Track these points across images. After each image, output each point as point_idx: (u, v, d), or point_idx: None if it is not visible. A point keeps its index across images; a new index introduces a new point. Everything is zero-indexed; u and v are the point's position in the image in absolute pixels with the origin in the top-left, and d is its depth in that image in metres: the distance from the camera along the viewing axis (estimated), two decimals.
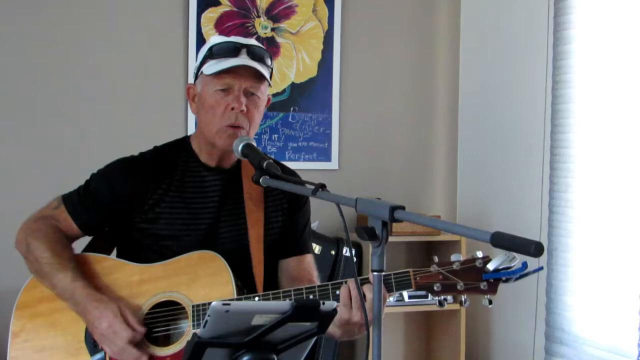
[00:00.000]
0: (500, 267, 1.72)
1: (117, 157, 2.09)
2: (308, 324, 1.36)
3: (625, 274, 2.89)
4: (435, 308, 3.42)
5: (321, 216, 2.68)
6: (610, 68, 3.00)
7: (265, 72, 1.98)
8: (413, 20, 3.95)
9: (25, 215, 2.05)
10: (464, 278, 1.76)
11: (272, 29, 3.67)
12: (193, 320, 1.87)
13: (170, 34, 3.54)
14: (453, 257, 1.78)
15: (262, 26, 3.65)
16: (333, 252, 3.36)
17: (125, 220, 2.03)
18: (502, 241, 1.17)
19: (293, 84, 3.72)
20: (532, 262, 1.71)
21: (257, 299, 1.88)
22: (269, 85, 2.04)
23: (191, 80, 2.13)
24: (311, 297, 1.82)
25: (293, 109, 3.73)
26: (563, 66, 3.21)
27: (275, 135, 3.70)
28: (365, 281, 1.79)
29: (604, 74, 3.03)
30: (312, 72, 3.75)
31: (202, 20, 3.55)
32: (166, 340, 1.91)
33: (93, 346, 1.90)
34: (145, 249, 2.02)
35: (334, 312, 1.37)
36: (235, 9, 3.61)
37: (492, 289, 1.76)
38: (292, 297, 1.85)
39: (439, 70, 3.99)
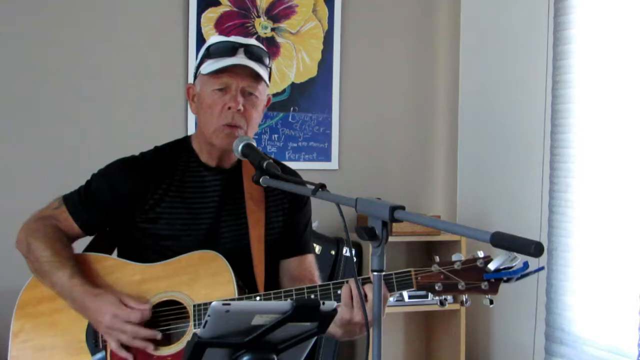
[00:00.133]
0: (502, 267, 1.72)
1: (117, 157, 2.09)
2: (308, 324, 1.36)
3: (625, 274, 2.89)
4: (436, 308, 3.43)
5: (321, 216, 2.68)
6: (610, 68, 3.00)
7: (262, 71, 1.98)
8: (413, 20, 3.95)
9: (25, 215, 2.05)
10: (465, 278, 1.76)
11: (272, 29, 3.67)
12: (194, 320, 1.87)
13: (170, 34, 3.54)
14: (454, 257, 1.78)
15: (262, 26, 3.65)
16: (333, 252, 3.36)
17: (126, 220, 2.03)
18: (502, 241, 1.17)
19: (293, 84, 3.72)
20: (533, 262, 1.71)
21: (258, 298, 1.88)
22: (267, 85, 2.04)
23: (191, 80, 2.14)
24: (312, 296, 1.83)
25: (293, 109, 3.73)
26: (563, 66, 3.21)
27: (275, 135, 3.70)
28: (367, 281, 1.79)
29: (604, 74, 3.03)
30: (312, 72, 3.75)
31: (202, 20, 3.55)
32: (167, 340, 1.91)
33: (94, 345, 1.90)
34: (146, 249, 2.02)
35: (334, 312, 1.37)
36: (235, 9, 3.61)
37: (493, 289, 1.76)
38: (294, 296, 1.85)
39: (439, 70, 3.99)
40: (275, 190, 2.07)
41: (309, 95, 3.74)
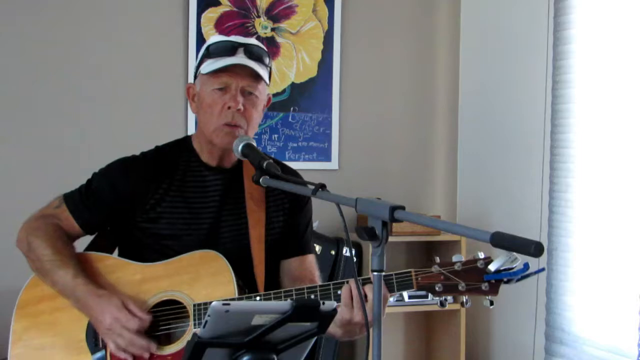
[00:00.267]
0: (502, 268, 1.72)
1: (118, 157, 2.09)
2: (308, 324, 1.36)
3: (625, 274, 2.89)
4: (436, 308, 3.43)
5: (321, 216, 2.68)
6: (610, 68, 3.00)
7: (262, 71, 1.98)
8: (413, 20, 3.95)
9: (25, 215, 2.05)
10: (465, 279, 1.76)
11: (272, 29, 3.67)
12: (194, 320, 1.88)
13: (170, 34, 3.54)
14: (454, 258, 1.78)
15: (262, 26, 3.65)
16: (333, 252, 3.36)
17: (127, 220, 2.03)
18: (502, 241, 1.17)
19: (293, 84, 3.72)
20: (533, 263, 1.71)
21: (258, 298, 1.88)
22: (267, 84, 2.04)
23: (191, 80, 2.14)
24: (312, 297, 1.83)
25: (293, 109, 3.73)
26: (563, 66, 3.21)
27: (275, 135, 3.70)
28: (368, 281, 1.79)
29: (604, 74, 3.03)
30: (312, 72, 3.75)
31: (202, 20, 3.55)
32: (167, 339, 1.92)
33: (94, 345, 1.90)
34: (147, 249, 2.02)
35: (334, 312, 1.37)
36: (235, 9, 3.61)
37: (494, 289, 1.76)
38: (294, 296, 1.85)
39: (439, 70, 3.99)
40: (276, 190, 2.07)
41: (309, 95, 3.74)
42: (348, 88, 3.81)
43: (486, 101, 3.83)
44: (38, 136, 3.34)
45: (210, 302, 1.38)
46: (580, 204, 3.12)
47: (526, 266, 1.71)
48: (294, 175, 1.93)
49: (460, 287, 1.76)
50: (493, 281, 1.75)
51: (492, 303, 1.76)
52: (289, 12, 3.70)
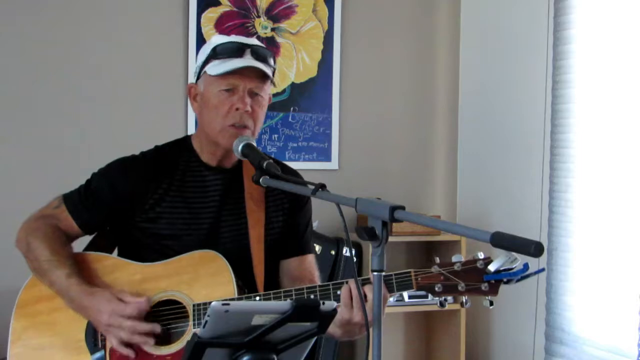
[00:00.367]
0: (502, 269, 1.72)
1: (117, 157, 2.09)
2: (308, 324, 1.36)
3: (625, 274, 2.89)
4: (435, 308, 3.42)
5: (321, 216, 2.68)
6: (610, 68, 3.00)
7: (269, 72, 1.99)
8: (413, 20, 3.95)
9: (25, 215, 2.05)
10: (465, 279, 1.76)
11: (272, 29, 3.67)
12: (194, 320, 1.87)
13: (170, 34, 3.54)
14: (454, 258, 1.78)
15: (262, 26, 3.65)
16: (333, 252, 3.36)
17: (126, 220, 2.03)
18: (502, 241, 1.17)
19: (293, 84, 3.72)
20: (533, 263, 1.71)
21: (257, 298, 1.88)
22: (273, 85, 2.05)
23: (191, 79, 2.13)
24: (312, 297, 1.82)
25: (293, 109, 3.73)
26: (563, 66, 3.21)
27: (275, 135, 3.70)
28: (367, 281, 1.79)
29: (604, 74, 3.03)
30: (312, 72, 3.75)
31: (202, 20, 3.54)
32: (167, 340, 1.91)
33: (93, 345, 1.90)
34: (146, 249, 2.02)
35: (334, 312, 1.37)
36: (235, 9, 3.61)
37: (493, 290, 1.76)
38: (293, 297, 1.85)
39: (439, 70, 3.99)
40: (276, 190, 2.07)
41: (309, 95, 3.74)
42: (348, 88, 3.81)
43: (486, 101, 3.83)
44: (38, 136, 3.34)
45: (210, 302, 1.38)
46: (580, 204, 3.12)
47: (526, 266, 1.71)
48: (294, 175, 1.93)
49: (459, 288, 1.76)
50: (493, 281, 1.75)
51: (491, 303, 1.76)
52: (289, 12, 3.70)
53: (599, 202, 3.03)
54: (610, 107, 3.00)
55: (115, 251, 2.15)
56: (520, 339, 3.49)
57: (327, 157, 3.78)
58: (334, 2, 3.75)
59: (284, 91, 3.70)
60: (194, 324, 1.87)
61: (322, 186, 1.64)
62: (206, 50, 2.00)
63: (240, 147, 1.89)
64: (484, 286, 1.75)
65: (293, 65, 3.71)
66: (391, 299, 3.21)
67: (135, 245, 2.04)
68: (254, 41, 2.02)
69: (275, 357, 1.36)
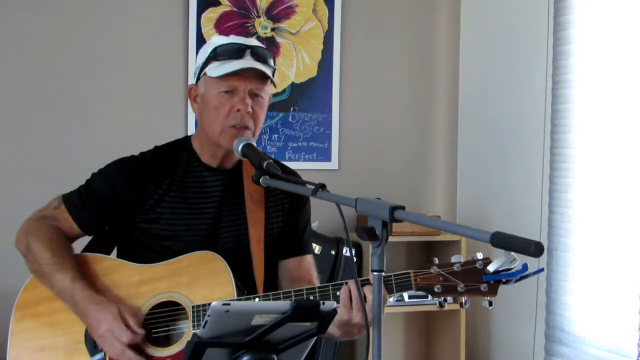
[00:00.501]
0: (501, 269, 1.72)
1: (117, 157, 2.09)
2: (308, 324, 1.36)
3: (625, 274, 2.89)
4: (435, 308, 3.42)
5: (321, 216, 2.68)
6: (610, 68, 3.00)
7: (269, 72, 1.98)
8: (413, 20, 3.95)
9: (25, 215, 2.05)
10: (464, 279, 1.76)
11: (272, 29, 3.67)
12: (193, 321, 1.87)
13: (170, 34, 3.54)
14: (453, 259, 1.78)
15: (262, 26, 3.65)
16: (333, 252, 3.36)
17: (126, 220, 2.03)
18: (502, 241, 1.17)
19: (293, 84, 3.72)
20: (532, 263, 1.71)
21: (257, 300, 1.88)
22: (274, 85, 2.05)
23: (191, 80, 2.13)
24: (311, 298, 1.82)
25: (293, 109, 3.73)
26: (563, 66, 3.21)
27: (275, 135, 3.70)
28: (367, 282, 1.79)
29: (604, 74, 3.02)
30: (312, 72, 3.74)
31: (202, 20, 3.54)
32: (166, 341, 1.91)
33: (93, 347, 1.90)
34: (146, 249, 2.02)
35: (333, 312, 1.37)
36: (235, 9, 3.61)
37: (492, 290, 1.76)
38: (293, 298, 1.85)
39: (439, 70, 3.99)
40: (275, 191, 2.07)
41: (309, 95, 3.74)
42: (348, 88, 3.81)
43: (486, 101, 3.83)
44: (38, 136, 3.34)
45: (210, 303, 1.38)
46: (580, 204, 3.12)
47: (525, 267, 1.71)
48: (293, 176, 1.93)
49: (459, 288, 1.76)
50: (492, 282, 1.75)
51: (490, 304, 1.76)
52: (289, 12, 3.70)
53: (598, 202, 3.03)
54: (610, 107, 3.00)
55: (114, 252, 2.15)
56: (520, 339, 3.49)
57: (327, 157, 3.78)
58: (334, 2, 3.75)
59: (284, 91, 3.70)
60: (193, 326, 1.87)
61: (322, 186, 1.64)
62: (206, 51, 2.00)
63: (240, 147, 1.89)
64: (483, 287, 1.75)
65: (293, 65, 3.71)
66: (391, 299, 3.22)
67: (135, 245, 2.04)
68: (254, 42, 2.01)
69: (275, 357, 1.36)
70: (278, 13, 3.68)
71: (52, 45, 3.37)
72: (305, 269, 2.12)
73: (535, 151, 3.38)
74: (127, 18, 3.48)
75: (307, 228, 2.18)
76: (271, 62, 2.01)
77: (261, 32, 3.65)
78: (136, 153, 2.10)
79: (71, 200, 2.03)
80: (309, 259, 2.15)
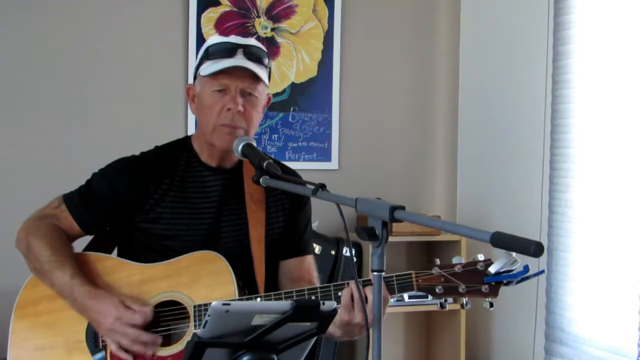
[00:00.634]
0: (502, 270, 1.72)
1: (118, 157, 2.09)
2: (308, 324, 1.36)
3: (625, 274, 2.89)
4: (436, 308, 3.43)
5: (321, 216, 2.68)
6: (610, 68, 3.00)
7: (261, 72, 1.98)
8: (413, 20, 3.95)
9: (25, 215, 2.05)
10: (465, 281, 1.76)
11: (272, 29, 3.67)
12: (194, 321, 1.87)
13: (170, 34, 3.54)
14: (454, 260, 1.78)
15: (262, 26, 3.65)
16: (333, 252, 3.36)
17: (127, 220, 2.03)
18: (502, 241, 1.17)
19: (293, 84, 3.72)
20: (533, 264, 1.71)
21: (259, 299, 1.88)
22: (266, 85, 2.04)
23: (191, 80, 2.14)
24: (313, 298, 1.82)
25: (293, 109, 3.73)
26: (563, 66, 3.21)
27: (275, 135, 3.70)
28: (368, 283, 1.78)
29: (604, 74, 3.03)
30: (312, 72, 3.74)
31: (202, 20, 3.54)
32: (167, 341, 1.91)
33: (94, 345, 1.90)
34: (147, 249, 2.02)
35: (334, 312, 1.37)
36: (235, 9, 3.61)
37: (494, 291, 1.76)
38: (294, 298, 1.85)
39: (439, 70, 3.99)
40: (276, 191, 2.07)
41: (309, 95, 3.74)
42: (348, 88, 3.81)
43: (486, 101, 3.83)
44: (38, 136, 3.34)
45: (210, 303, 1.38)
46: (580, 204, 3.12)
47: (526, 268, 1.71)
48: (293, 176, 1.93)
49: (460, 289, 1.76)
50: (493, 283, 1.75)
51: (491, 305, 1.76)
52: (289, 12, 3.70)
53: (598, 202, 3.03)
54: (610, 107, 3.00)
55: (115, 251, 2.15)
56: (520, 339, 3.49)
57: (327, 157, 3.78)
58: (334, 2, 3.75)
59: (284, 91, 3.70)
60: (194, 325, 1.87)
61: (322, 186, 1.64)
62: (201, 51, 2.02)
63: (240, 147, 1.89)
64: (485, 288, 1.75)
65: (293, 65, 3.71)
66: (391, 300, 3.23)
67: (135, 245, 2.04)
68: (249, 41, 2.01)
69: (275, 357, 1.36)
70: (278, 13, 3.68)
71: (52, 45, 3.37)
72: (306, 269, 2.12)
73: (535, 151, 3.38)
74: (127, 18, 3.48)
75: (308, 228, 2.18)
76: (265, 61, 2.01)
77: (261, 32, 3.65)
78: (136, 153, 2.10)
79: (72, 200, 2.03)
80: (309, 259, 2.15)
